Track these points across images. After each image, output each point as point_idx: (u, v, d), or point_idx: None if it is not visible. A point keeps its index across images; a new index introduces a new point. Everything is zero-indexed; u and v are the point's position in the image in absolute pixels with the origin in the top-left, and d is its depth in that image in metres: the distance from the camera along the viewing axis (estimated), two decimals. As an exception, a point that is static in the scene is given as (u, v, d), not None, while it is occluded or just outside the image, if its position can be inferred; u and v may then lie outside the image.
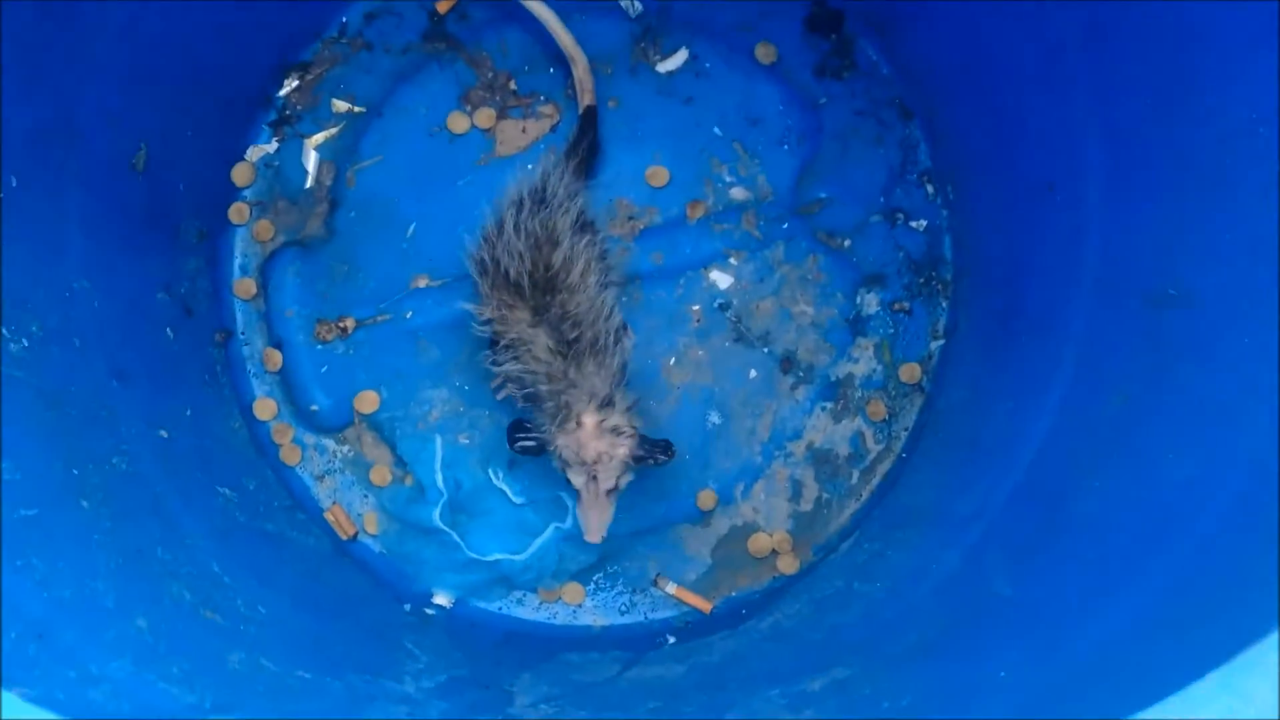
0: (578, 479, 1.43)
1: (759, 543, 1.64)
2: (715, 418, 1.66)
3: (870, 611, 1.41)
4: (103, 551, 1.19)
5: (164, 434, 1.46)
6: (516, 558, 1.63)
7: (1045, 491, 1.24)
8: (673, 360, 1.66)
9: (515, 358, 1.44)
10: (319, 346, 1.68)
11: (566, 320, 1.42)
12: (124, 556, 1.21)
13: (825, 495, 1.64)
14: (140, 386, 1.42)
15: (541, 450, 1.46)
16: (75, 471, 1.24)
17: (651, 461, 1.44)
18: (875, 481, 1.65)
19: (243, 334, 1.68)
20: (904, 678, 1.21)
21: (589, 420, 1.42)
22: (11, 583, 1.05)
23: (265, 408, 1.65)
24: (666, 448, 1.45)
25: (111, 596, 1.13)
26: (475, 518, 1.63)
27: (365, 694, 1.26)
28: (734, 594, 1.64)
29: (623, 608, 1.65)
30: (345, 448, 1.66)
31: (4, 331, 1.19)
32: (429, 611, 1.61)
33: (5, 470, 1.09)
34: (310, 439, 1.67)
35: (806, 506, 1.64)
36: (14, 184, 1.22)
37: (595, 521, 1.45)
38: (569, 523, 1.61)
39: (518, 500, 1.63)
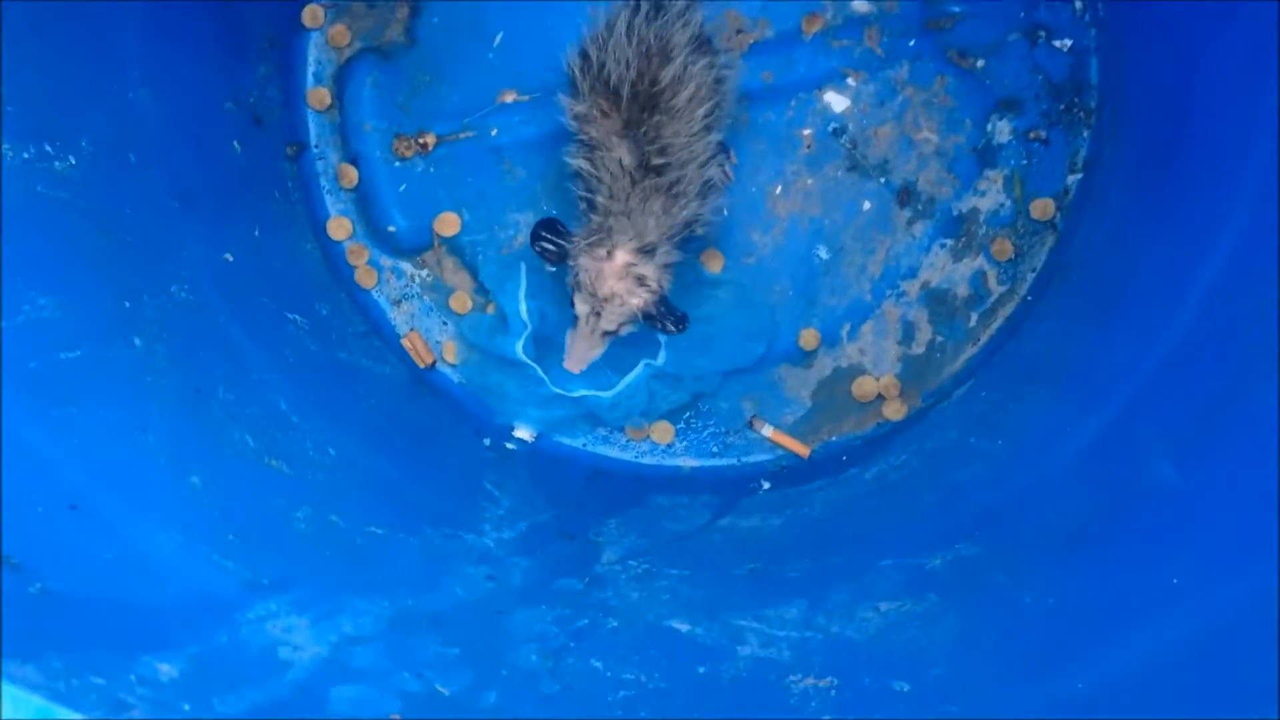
0: (582, 307, 1.34)
1: (864, 386, 1.55)
2: (823, 252, 1.57)
3: (995, 475, 1.30)
4: (156, 396, 1.09)
5: (229, 257, 1.36)
6: (603, 394, 1.54)
7: (1214, 361, 1.07)
8: (779, 189, 1.56)
9: (588, 157, 1.32)
10: (397, 163, 1.57)
11: (655, 145, 1.28)
12: (180, 400, 1.12)
13: (939, 338, 1.55)
14: (204, 206, 1.32)
15: (560, 260, 1.37)
16: (127, 304, 1.14)
17: (659, 326, 1.35)
18: (996, 326, 1.55)
19: (316, 148, 1.58)
20: (1048, 570, 1.09)
21: (621, 257, 1.32)
22: (43, 441, 0.95)
23: (340, 227, 1.56)
24: (681, 320, 1.36)
25: (163, 452, 1.04)
26: (560, 352, 1.50)
27: (442, 552, 1.18)
28: (834, 439, 1.57)
29: (715, 449, 1.57)
30: (424, 272, 1.58)
31: (47, 148, 1.08)
32: (510, 446, 1.54)
33: (45, 308, 0.99)
34: (387, 261, 1.59)
35: (918, 350, 1.55)
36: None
37: (580, 354, 1.37)
38: (661, 359, 1.51)
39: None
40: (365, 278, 1.56)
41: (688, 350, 1.51)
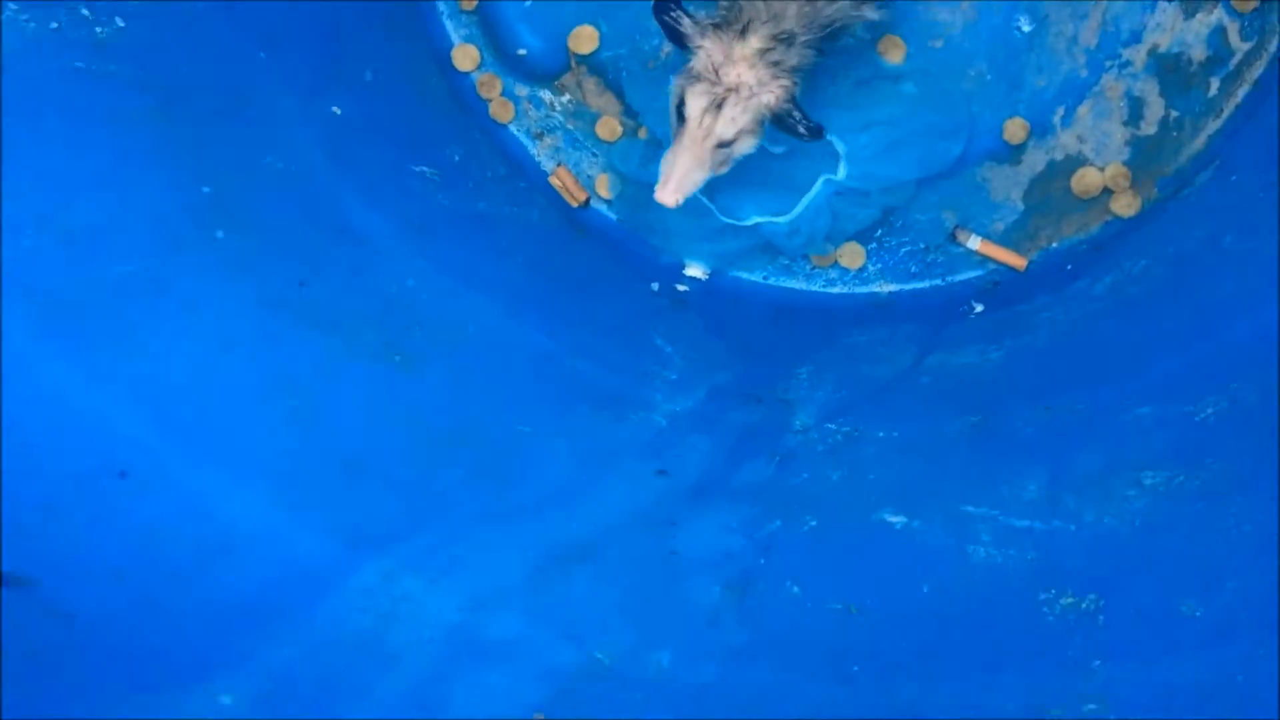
0: (696, 103, 1.18)
1: (1086, 179, 1.40)
2: (1024, 24, 1.41)
3: (1262, 285, 1.10)
4: (245, 299, 0.97)
5: (336, 110, 1.24)
6: (780, 219, 1.41)
7: None
8: None
9: None
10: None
11: None
12: (278, 301, 0.98)
13: (1173, 114, 1.39)
14: (297, 53, 1.18)
15: (680, 42, 1.21)
16: (206, 190, 1.01)
17: (791, 128, 1.20)
18: (1242, 92, 1.38)
19: None
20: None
21: (755, 41, 1.17)
22: (85, 390, 0.85)
23: (466, 56, 1.43)
24: (817, 130, 1.21)
25: (251, 373, 0.91)
26: (727, 175, 1.36)
27: (602, 446, 1.04)
28: (1055, 246, 1.43)
29: (914, 269, 1.43)
30: (564, 98, 1.46)
31: (84, 12, 0.94)
32: (681, 288, 1.42)
33: (82, 212, 0.87)
34: (522, 90, 1.47)
35: (1148, 130, 1.40)
36: None
37: (682, 171, 1.20)
38: (842, 172, 1.36)
39: (776, 150, 1.37)
40: (500, 111, 1.45)
41: (872, 159, 1.37)
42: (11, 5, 0.84)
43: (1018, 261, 1.40)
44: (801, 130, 1.20)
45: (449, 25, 1.46)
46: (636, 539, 0.90)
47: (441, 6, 1.44)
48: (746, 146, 1.23)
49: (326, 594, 0.77)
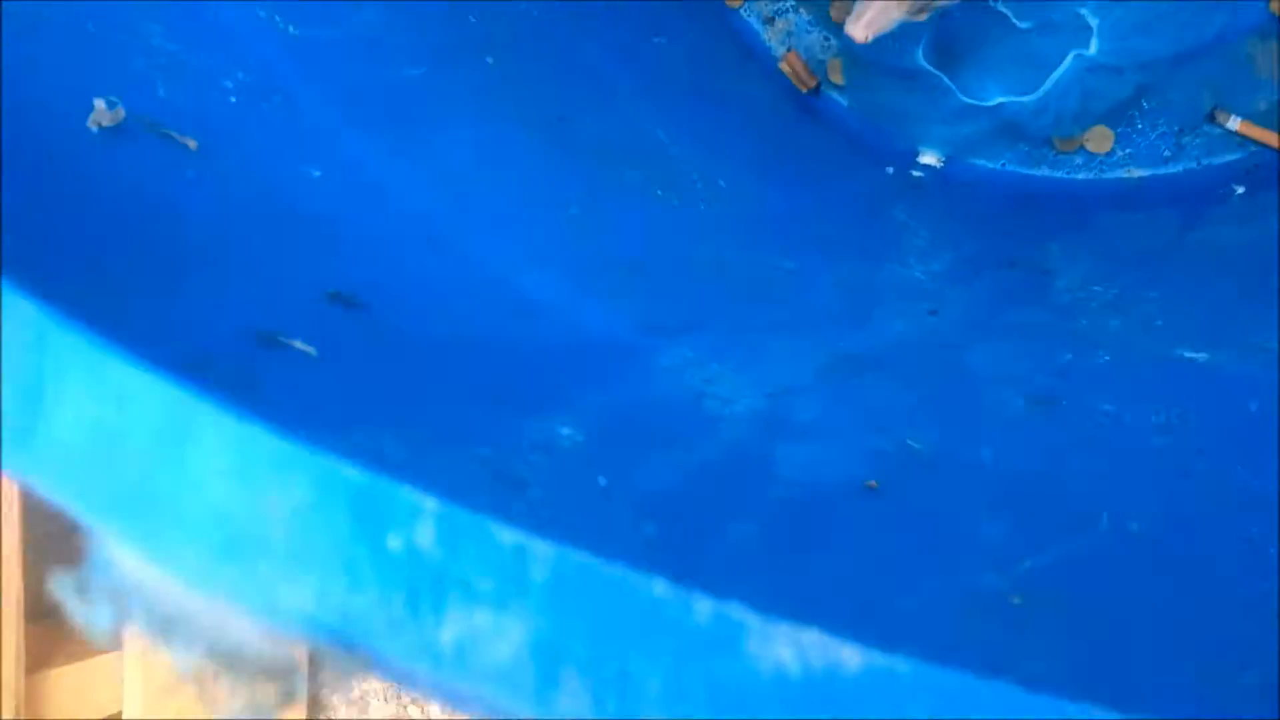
0: None
1: None
2: None
3: None
4: (516, 122, 0.97)
5: None
6: (1025, 99, 1.34)
7: None
8: None
9: None
10: None
11: None
12: (545, 128, 0.98)
13: None
14: None
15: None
16: (472, 19, 1.01)
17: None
18: None
19: None
20: None
21: None
22: (389, 168, 0.83)
23: None
24: None
25: (532, 182, 0.90)
26: (968, 52, 1.33)
27: (867, 283, 0.99)
28: None
29: (1167, 152, 1.36)
30: None
31: None
32: (916, 174, 1.34)
33: (373, 24, 0.86)
34: None
35: None
36: None
37: (876, 8, 1.09)
38: (1093, 47, 1.28)
39: (1023, 24, 1.30)
40: (731, -5, 1.35)
41: (1127, 31, 1.30)
42: None
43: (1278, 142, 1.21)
44: None
45: (678, -97, 1.30)
46: (925, 355, 0.83)
47: None
48: None
49: (636, 363, 0.71)
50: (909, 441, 0.68)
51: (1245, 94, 1.35)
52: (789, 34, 1.42)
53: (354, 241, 0.67)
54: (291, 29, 0.77)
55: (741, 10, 1.42)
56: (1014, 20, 1.28)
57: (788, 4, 1.39)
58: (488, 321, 0.73)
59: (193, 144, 0.64)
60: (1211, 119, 1.29)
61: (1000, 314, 0.94)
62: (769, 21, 1.36)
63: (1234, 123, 1.26)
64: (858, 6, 1.13)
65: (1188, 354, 0.87)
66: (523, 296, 0.77)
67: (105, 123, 0.58)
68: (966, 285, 1.03)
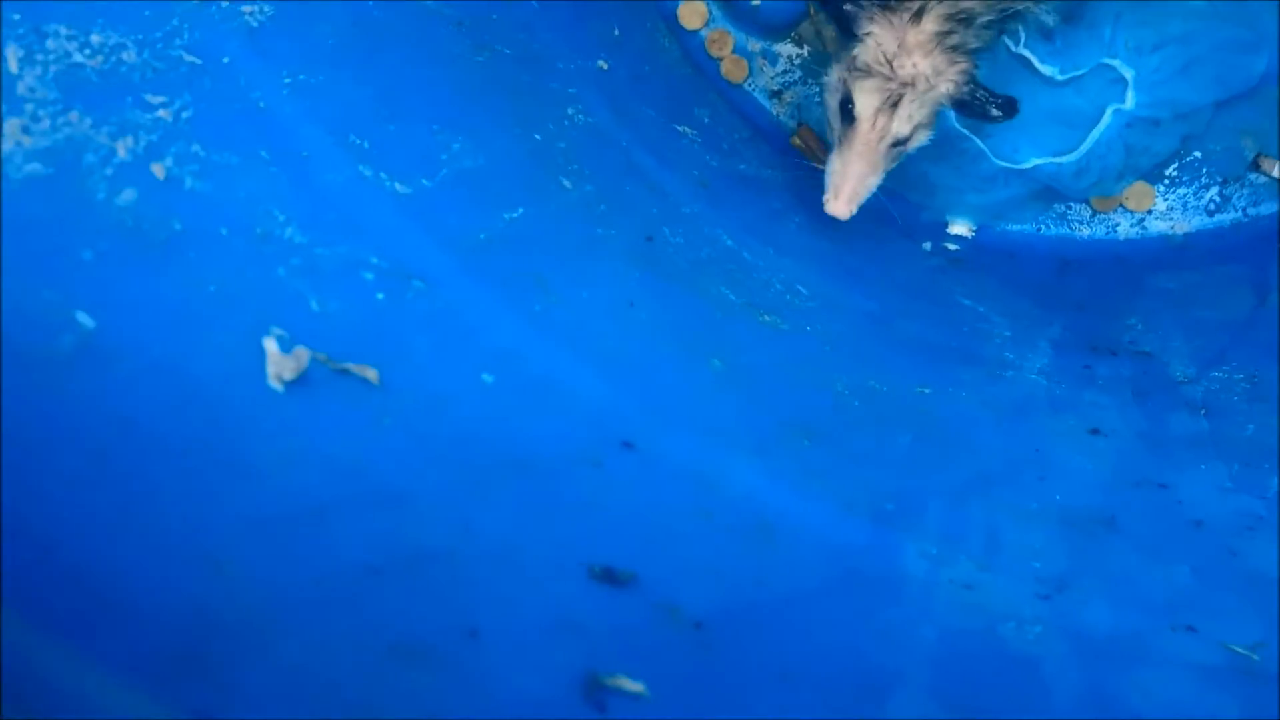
0: (867, 101, 1.02)
1: None
2: None
3: None
4: (620, 257, 0.84)
5: (603, 65, 1.10)
6: (1065, 159, 1.24)
7: None
8: None
9: None
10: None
11: None
12: (644, 258, 0.87)
13: None
14: (558, 3, 1.06)
15: (848, 28, 1.07)
16: (537, 136, 0.89)
17: (978, 111, 1.05)
18: None
19: None
20: None
21: (930, 24, 1.01)
22: (517, 326, 0.68)
23: (693, 12, 1.25)
24: (1009, 103, 1.05)
25: (665, 335, 0.76)
26: (1002, 121, 1.18)
27: (1005, 400, 0.88)
28: None
29: (1210, 205, 1.25)
30: (803, 50, 1.32)
31: None
32: (952, 247, 1.21)
33: (462, 154, 0.71)
34: (755, 45, 1.32)
35: None
36: None
37: (855, 177, 1.04)
38: (1130, 101, 1.16)
39: (1056, 76, 1.19)
40: (733, 70, 1.30)
41: (1165, 82, 1.22)
42: None
43: (1331, 186, 1.09)
44: (993, 111, 1.06)
45: (673, -19, 1.17)
46: (1143, 505, 0.67)
47: None
48: (921, 139, 1.08)
49: (891, 582, 0.53)
50: (1233, 647, 0.51)
51: (1291, 139, 1.13)
52: (798, 107, 1.34)
53: (564, 477, 0.49)
54: (399, 186, 0.57)
55: (746, 85, 1.32)
56: (1043, 69, 1.23)
57: (794, 74, 1.32)
58: (745, 544, 0.51)
59: (373, 374, 0.44)
60: (1256, 167, 1.15)
61: (1161, 427, 0.78)
62: (776, 95, 1.23)
63: (1279, 169, 1.12)
64: (831, 181, 1.06)
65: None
66: (748, 502, 0.56)
67: (289, 375, 0.38)
68: (1093, 386, 0.88)
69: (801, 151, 1.25)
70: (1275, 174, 1.17)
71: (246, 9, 0.60)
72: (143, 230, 0.46)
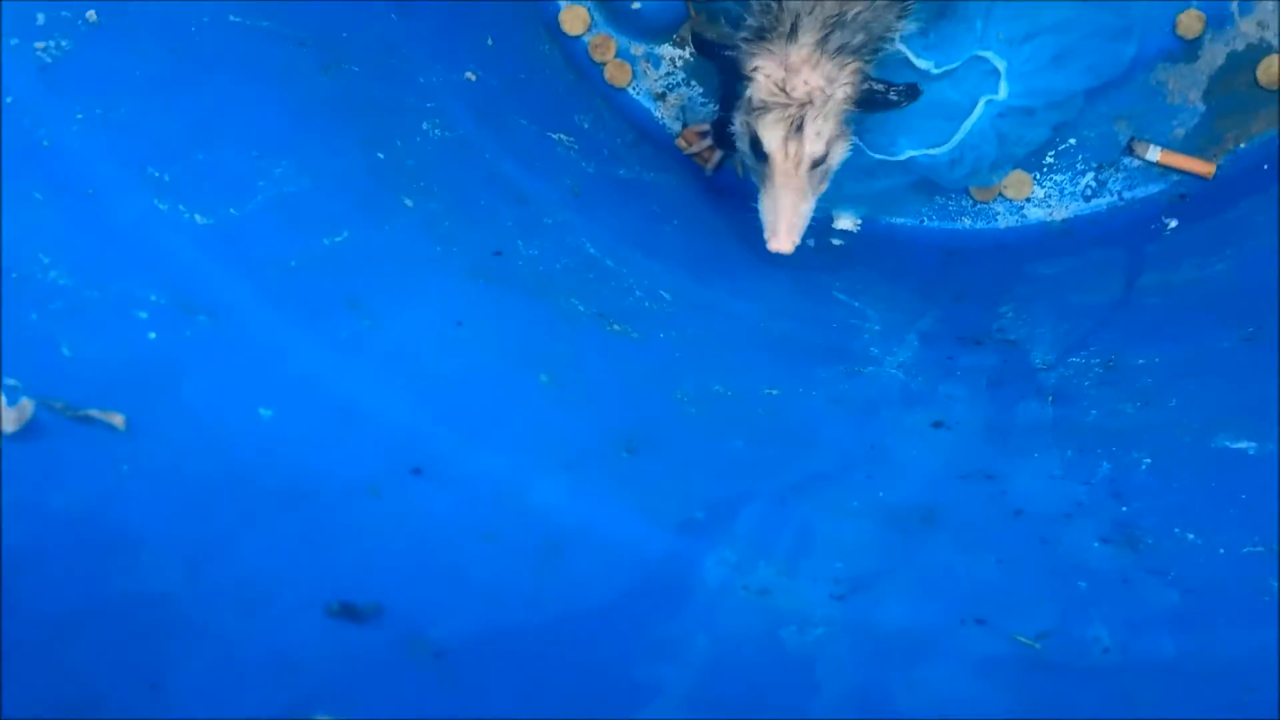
0: (773, 135, 1.01)
1: (1273, 68, 1.23)
2: None
3: None
4: (454, 273, 0.81)
5: (471, 76, 1.09)
6: (938, 151, 1.22)
7: None
8: None
9: None
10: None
11: None
12: (483, 272, 0.85)
13: None
14: (425, 16, 1.04)
15: (735, 71, 1.05)
16: (380, 155, 0.87)
17: (883, 103, 1.05)
18: None
19: None
20: None
21: (807, 38, 1.00)
22: (315, 355, 0.66)
23: (575, 18, 1.24)
24: (909, 89, 1.05)
25: (489, 350, 0.75)
26: (884, 120, 1.24)
27: (858, 398, 0.90)
28: (1243, 146, 1.26)
29: (1088, 191, 1.25)
30: (685, 51, 1.31)
31: None
32: (836, 242, 1.22)
33: (287, 178, 0.69)
34: (639, 49, 1.31)
35: None
36: None
37: (787, 210, 1.02)
38: (1003, 91, 1.16)
39: (932, 70, 1.20)
40: (617, 74, 1.28)
41: (1037, 71, 1.21)
42: None
43: (1205, 169, 1.24)
44: (894, 97, 1.06)
45: (553, -13, 1.16)
46: (967, 497, 0.66)
47: None
48: (841, 152, 1.08)
49: (680, 593, 0.52)
50: (1019, 638, 0.51)
51: (1161, 122, 1.29)
52: (682, 109, 1.30)
53: (336, 509, 0.48)
54: (199, 218, 0.56)
55: (630, 89, 1.30)
56: (919, 63, 1.16)
57: (677, 76, 1.31)
58: (525, 565, 0.51)
59: (119, 420, 0.43)
60: (1130, 152, 1.18)
61: (1007, 416, 0.78)
62: (660, 98, 1.23)
63: (1154, 153, 1.16)
64: (766, 221, 1.06)
65: (1231, 444, 0.72)
66: (538, 522, 0.55)
67: (11, 427, 0.38)
68: (951, 378, 0.87)
69: (685, 152, 1.24)
70: (1148, 157, 1.17)
71: (40, 45, 0.58)
72: None
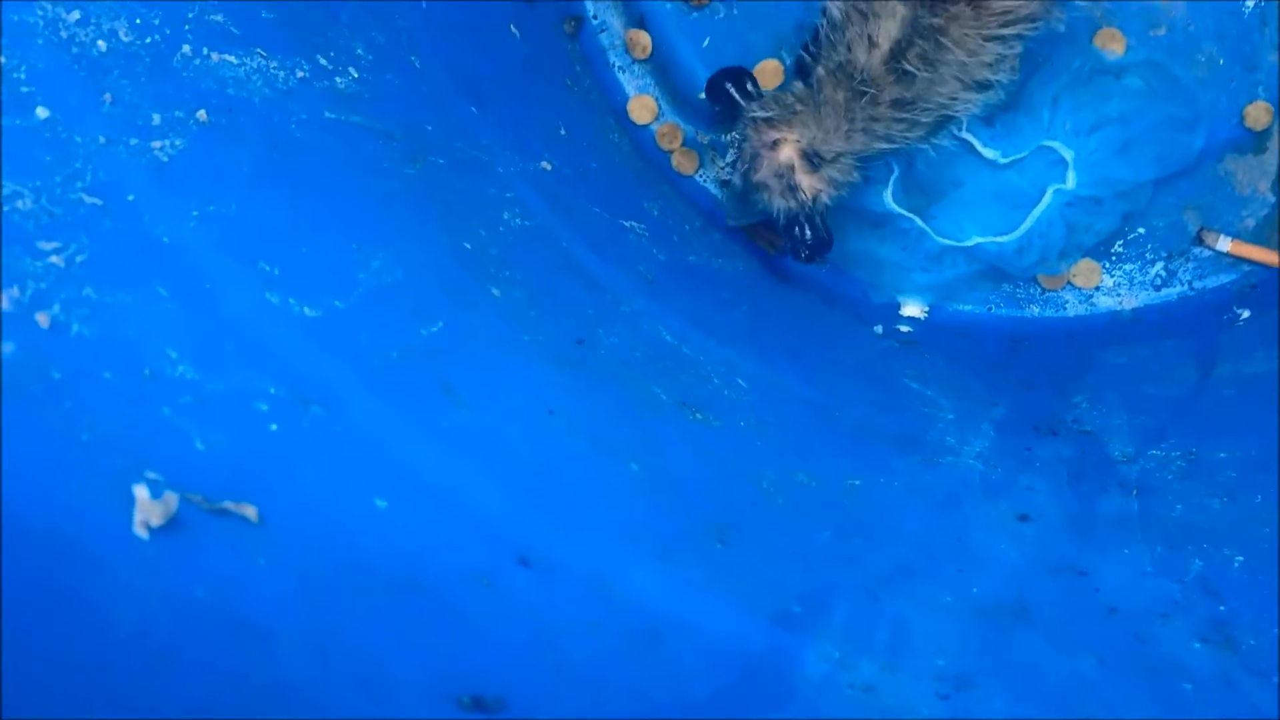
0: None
1: None
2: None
3: None
4: (542, 361, 0.84)
5: (546, 166, 1.11)
6: (1006, 238, 1.24)
7: None
8: None
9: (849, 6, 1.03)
10: (694, 14, 1.31)
11: (936, 38, 1.01)
12: (571, 361, 0.87)
13: None
14: (500, 107, 1.07)
15: (728, 117, 1.11)
16: (468, 245, 0.89)
17: (788, 245, 1.12)
18: None
19: (595, 18, 1.32)
20: None
21: (786, 153, 1.08)
22: (420, 445, 0.68)
23: (643, 108, 1.27)
24: (817, 247, 1.11)
25: (583, 440, 0.78)
26: (942, 194, 1.27)
27: (939, 491, 0.90)
28: None
29: (1157, 280, 1.27)
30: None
31: (322, 62, 0.82)
32: (904, 330, 1.23)
33: (382, 270, 0.73)
34: (704, 137, 1.33)
35: None
36: None
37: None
38: (1071, 181, 1.18)
39: (999, 159, 1.23)
40: (684, 162, 1.31)
41: (1104, 162, 1.24)
42: (261, 52, 0.64)
43: (1274, 259, 1.23)
44: (800, 252, 1.13)
45: (623, 78, 1.35)
46: (1059, 593, 0.68)
47: (614, 58, 1.34)
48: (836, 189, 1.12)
49: (785, 688, 0.53)
50: None
51: (1230, 212, 1.30)
52: None
53: (454, 599, 0.50)
54: (307, 310, 0.59)
55: (697, 176, 1.33)
56: (985, 152, 1.25)
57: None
58: (629, 656, 0.52)
59: (252, 511, 0.45)
60: (1199, 241, 1.18)
61: (1091, 508, 0.79)
62: (727, 185, 1.21)
63: (1224, 243, 1.16)
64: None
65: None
66: (643, 610, 0.56)
67: (156, 521, 0.39)
68: (1031, 469, 0.88)
69: (751, 237, 1.26)
70: (1219, 247, 1.18)
71: (156, 144, 0.61)
72: (16, 386, 0.47)
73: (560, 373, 0.76)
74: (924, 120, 1.08)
